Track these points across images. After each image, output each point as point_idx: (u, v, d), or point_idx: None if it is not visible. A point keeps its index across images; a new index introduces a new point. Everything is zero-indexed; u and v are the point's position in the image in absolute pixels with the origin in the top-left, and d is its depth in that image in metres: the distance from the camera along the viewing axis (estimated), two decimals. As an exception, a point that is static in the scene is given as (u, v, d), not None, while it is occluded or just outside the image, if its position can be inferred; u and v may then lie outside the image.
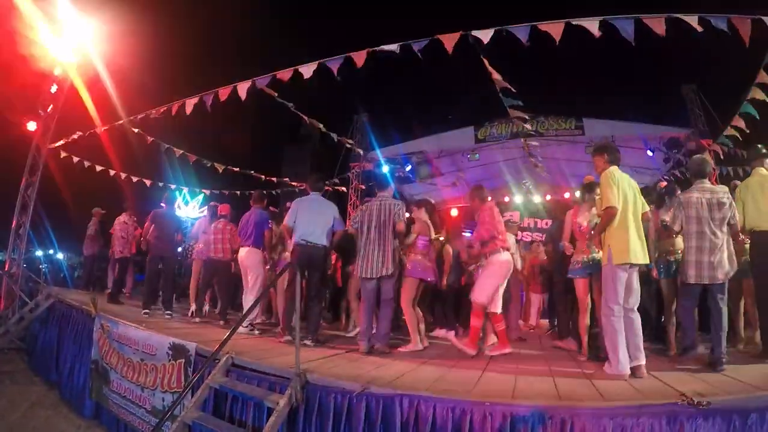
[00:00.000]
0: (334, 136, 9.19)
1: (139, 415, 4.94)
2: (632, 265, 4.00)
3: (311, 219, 5.67)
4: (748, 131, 8.08)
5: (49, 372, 7.35)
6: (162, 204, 8.00)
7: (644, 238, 4.10)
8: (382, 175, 7.68)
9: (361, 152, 14.77)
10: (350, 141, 10.53)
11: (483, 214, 5.32)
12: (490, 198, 5.67)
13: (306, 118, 8.28)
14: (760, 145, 5.04)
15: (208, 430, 3.75)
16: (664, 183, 5.87)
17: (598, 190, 4.71)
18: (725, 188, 4.52)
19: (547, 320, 8.79)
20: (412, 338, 5.49)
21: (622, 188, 4.10)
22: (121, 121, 8.87)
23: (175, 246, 8.35)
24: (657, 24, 5.11)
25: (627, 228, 4.00)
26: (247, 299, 6.50)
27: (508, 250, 5.27)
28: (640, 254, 3.99)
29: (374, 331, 5.43)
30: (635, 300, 4.08)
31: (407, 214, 5.83)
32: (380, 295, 5.33)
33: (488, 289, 5.08)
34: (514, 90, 6.68)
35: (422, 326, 5.84)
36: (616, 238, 4.03)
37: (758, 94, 6.80)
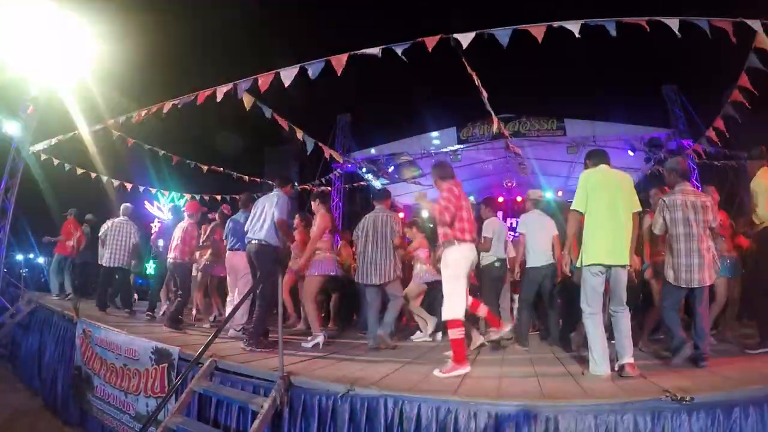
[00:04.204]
0: (311, 143, 9.06)
1: (123, 421, 4.88)
2: (607, 267, 3.93)
3: (255, 215, 5.65)
4: (728, 135, 8.20)
5: (33, 378, 7.24)
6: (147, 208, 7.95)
7: (625, 238, 3.98)
8: (380, 189, 7.67)
9: (340, 156, 14.70)
10: (332, 151, 10.41)
11: (441, 194, 4.50)
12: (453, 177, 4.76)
13: (285, 126, 8.18)
14: (764, 147, 5.08)
15: (191, 434, 3.71)
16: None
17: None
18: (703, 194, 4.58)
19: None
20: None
21: (597, 189, 4.04)
22: (100, 126, 8.75)
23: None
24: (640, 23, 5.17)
25: (598, 229, 3.95)
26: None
27: (471, 241, 4.44)
28: (614, 254, 3.90)
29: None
30: (620, 299, 3.99)
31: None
32: (387, 296, 5.79)
33: (457, 299, 4.26)
34: (493, 92, 6.75)
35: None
36: (585, 239, 4.01)
37: (740, 97, 6.87)
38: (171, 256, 7.00)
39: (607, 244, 3.92)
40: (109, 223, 8.51)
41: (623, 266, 3.98)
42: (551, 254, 5.89)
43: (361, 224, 5.83)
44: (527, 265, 5.97)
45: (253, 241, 5.51)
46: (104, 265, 8.31)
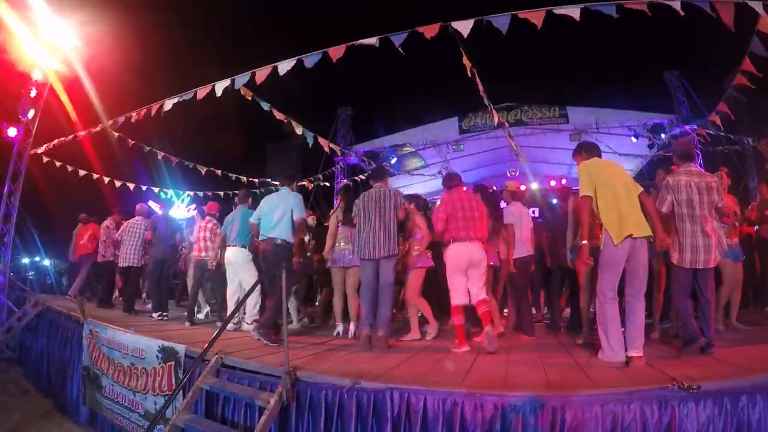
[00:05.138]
0: (311, 137, 9.03)
1: (132, 420, 4.90)
2: (633, 240, 3.81)
3: (270, 213, 5.61)
4: (733, 117, 8.13)
5: (42, 380, 7.32)
6: (151, 206, 8.04)
7: (642, 213, 3.94)
8: (378, 167, 7.75)
9: (341, 150, 14.61)
10: (331, 144, 10.40)
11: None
12: (457, 185, 5.36)
13: (284, 119, 8.17)
14: None
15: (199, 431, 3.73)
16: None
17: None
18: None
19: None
20: (413, 328, 5.80)
21: (602, 174, 4.04)
22: (100, 126, 8.75)
23: (174, 249, 8.54)
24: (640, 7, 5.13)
25: (617, 206, 3.88)
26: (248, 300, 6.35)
27: (465, 239, 4.95)
28: (636, 226, 3.83)
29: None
30: (640, 284, 3.92)
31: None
32: (380, 279, 5.19)
33: (453, 291, 4.96)
34: (493, 81, 6.73)
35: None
36: (608, 219, 3.90)
37: (743, 80, 6.78)
38: (201, 255, 7.27)
39: (632, 216, 3.86)
40: (127, 224, 8.60)
41: (648, 238, 3.92)
42: (531, 246, 6.03)
43: (359, 204, 5.44)
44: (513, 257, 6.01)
45: (276, 241, 5.47)
46: (119, 265, 8.57)
